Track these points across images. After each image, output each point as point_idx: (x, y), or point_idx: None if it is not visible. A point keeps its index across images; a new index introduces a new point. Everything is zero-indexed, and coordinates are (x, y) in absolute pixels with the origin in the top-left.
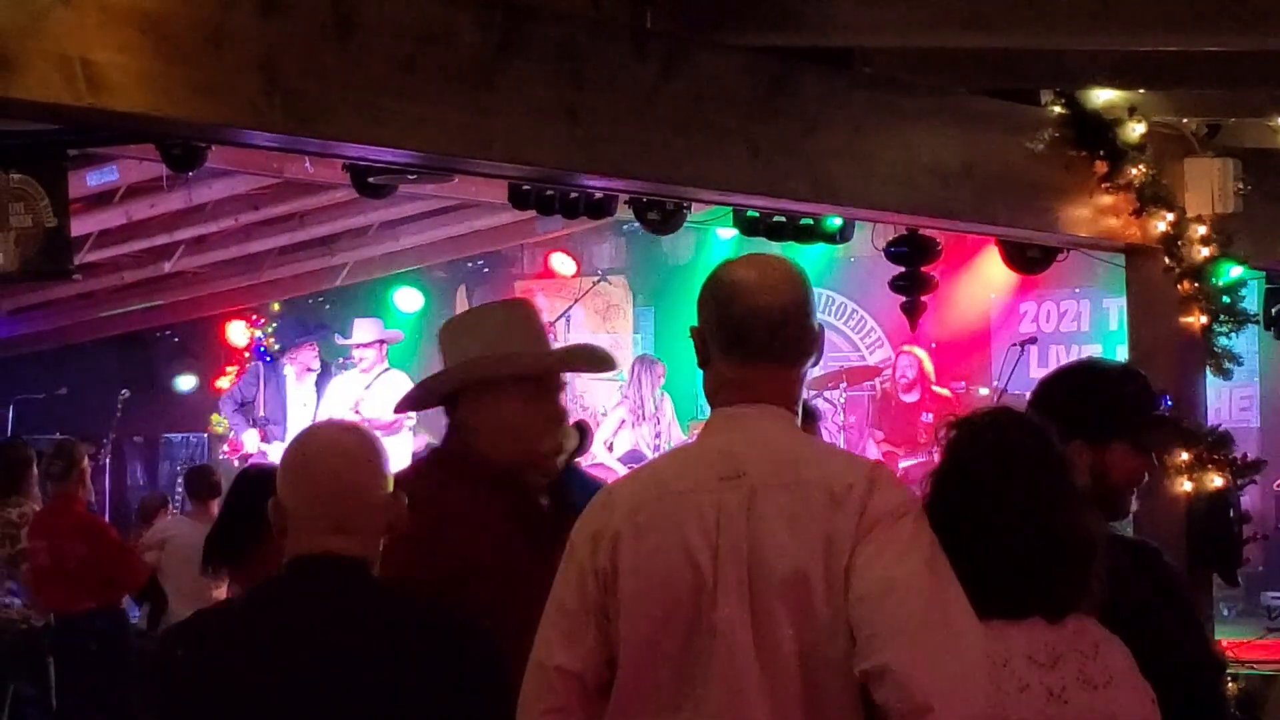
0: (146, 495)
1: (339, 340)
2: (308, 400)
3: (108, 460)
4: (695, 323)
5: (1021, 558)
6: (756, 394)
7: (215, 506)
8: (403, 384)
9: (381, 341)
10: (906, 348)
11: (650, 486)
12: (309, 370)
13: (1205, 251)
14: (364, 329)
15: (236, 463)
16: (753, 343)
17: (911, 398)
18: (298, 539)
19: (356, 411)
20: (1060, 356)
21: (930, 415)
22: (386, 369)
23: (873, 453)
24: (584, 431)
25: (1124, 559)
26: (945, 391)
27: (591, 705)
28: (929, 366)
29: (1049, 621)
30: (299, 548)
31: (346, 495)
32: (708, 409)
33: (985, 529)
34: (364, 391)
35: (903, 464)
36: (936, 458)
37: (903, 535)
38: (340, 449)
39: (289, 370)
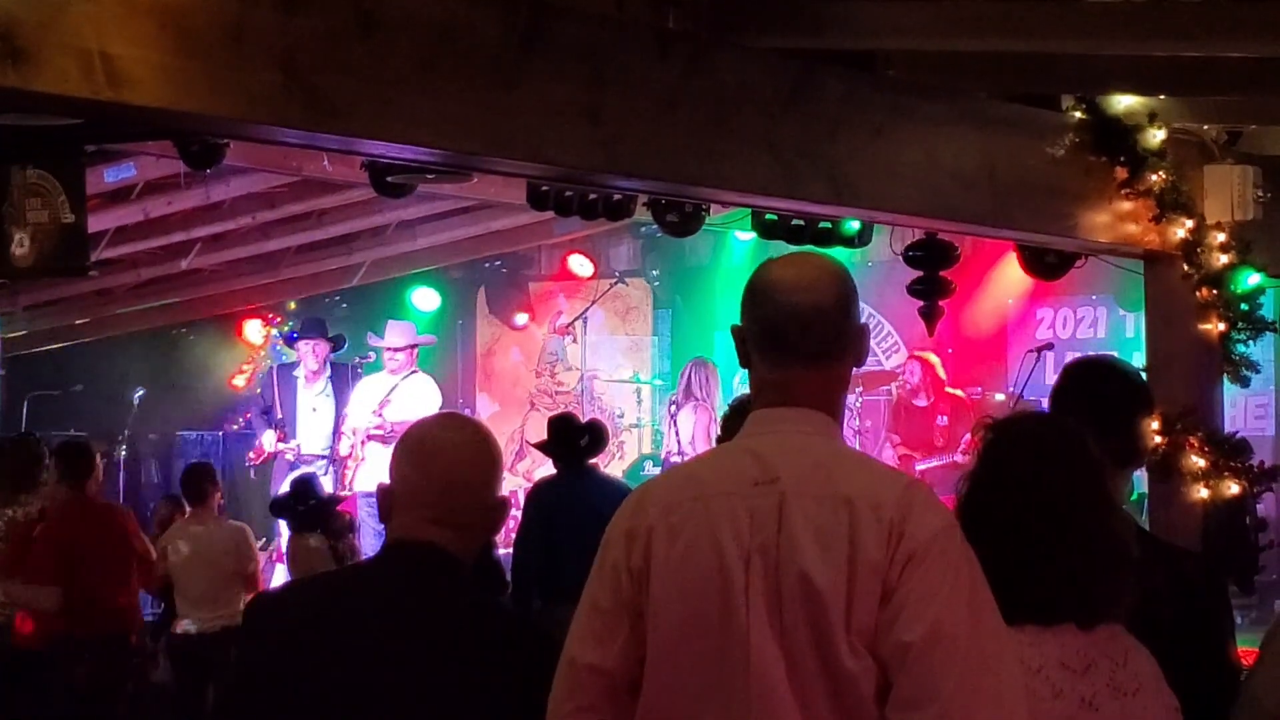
0: (160, 503)
1: (372, 341)
2: (318, 405)
3: (122, 457)
4: (734, 324)
5: (1057, 564)
6: (794, 396)
7: (215, 507)
8: (428, 388)
9: (413, 346)
10: (917, 353)
11: (685, 487)
12: (318, 374)
13: (1224, 259)
14: (397, 332)
15: (252, 468)
16: (786, 342)
17: (920, 402)
18: (401, 524)
19: (380, 414)
20: None
21: (945, 418)
22: (414, 371)
23: (889, 456)
24: (598, 432)
25: (1189, 565)
26: (959, 393)
27: (622, 704)
28: (941, 371)
29: (1081, 628)
30: (400, 532)
31: (455, 490)
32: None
33: (1021, 534)
34: (390, 393)
35: (919, 466)
36: (971, 460)
37: (947, 571)
38: (459, 446)
39: (299, 373)
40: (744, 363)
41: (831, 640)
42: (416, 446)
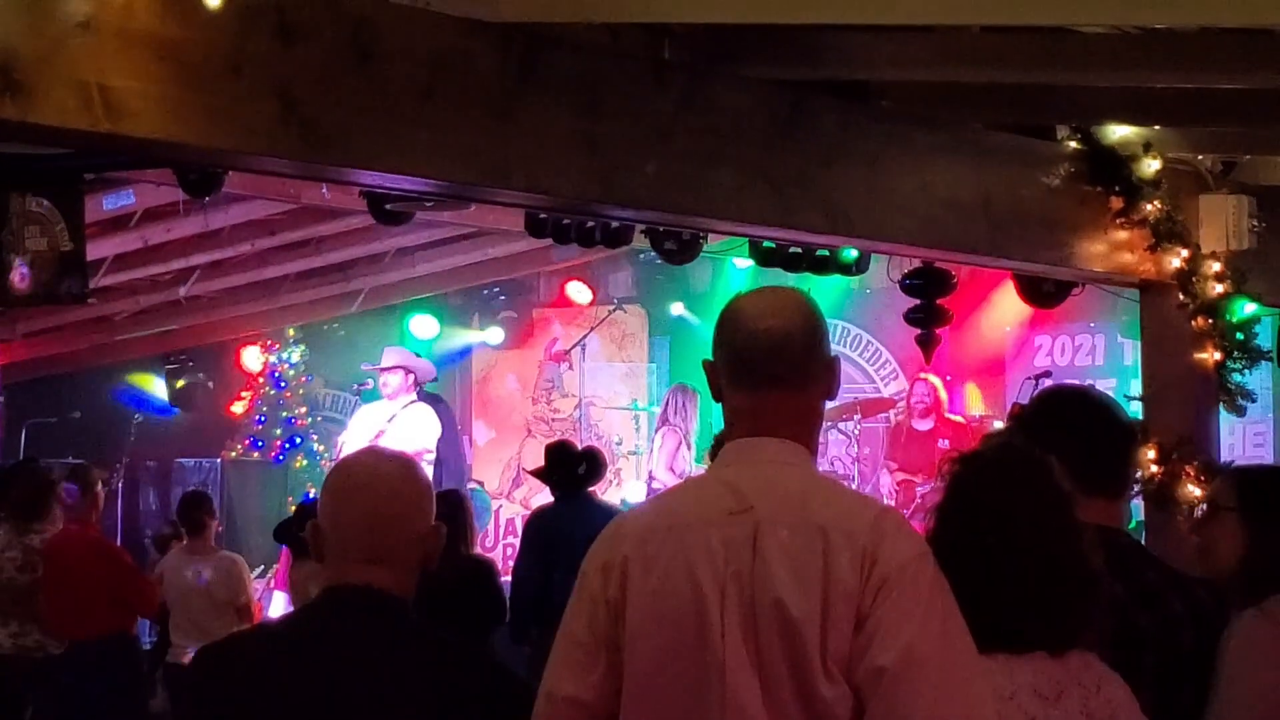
0: (159, 530)
1: (364, 367)
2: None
3: (120, 485)
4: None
5: (1026, 591)
6: (767, 425)
7: (211, 538)
8: (428, 417)
9: (406, 370)
10: (922, 375)
11: (660, 518)
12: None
13: (1219, 288)
14: (390, 358)
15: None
16: (756, 368)
17: (925, 425)
18: (334, 567)
19: (376, 444)
20: None
21: (946, 441)
22: (414, 400)
23: (886, 482)
24: (595, 460)
25: (1200, 593)
26: (959, 418)
27: None
28: (943, 394)
29: (1052, 655)
30: (334, 576)
31: (384, 526)
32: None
33: (990, 563)
34: (387, 422)
35: (920, 489)
36: (939, 492)
37: (920, 596)
38: (381, 478)
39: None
40: (716, 396)
41: (807, 667)
42: (340, 484)
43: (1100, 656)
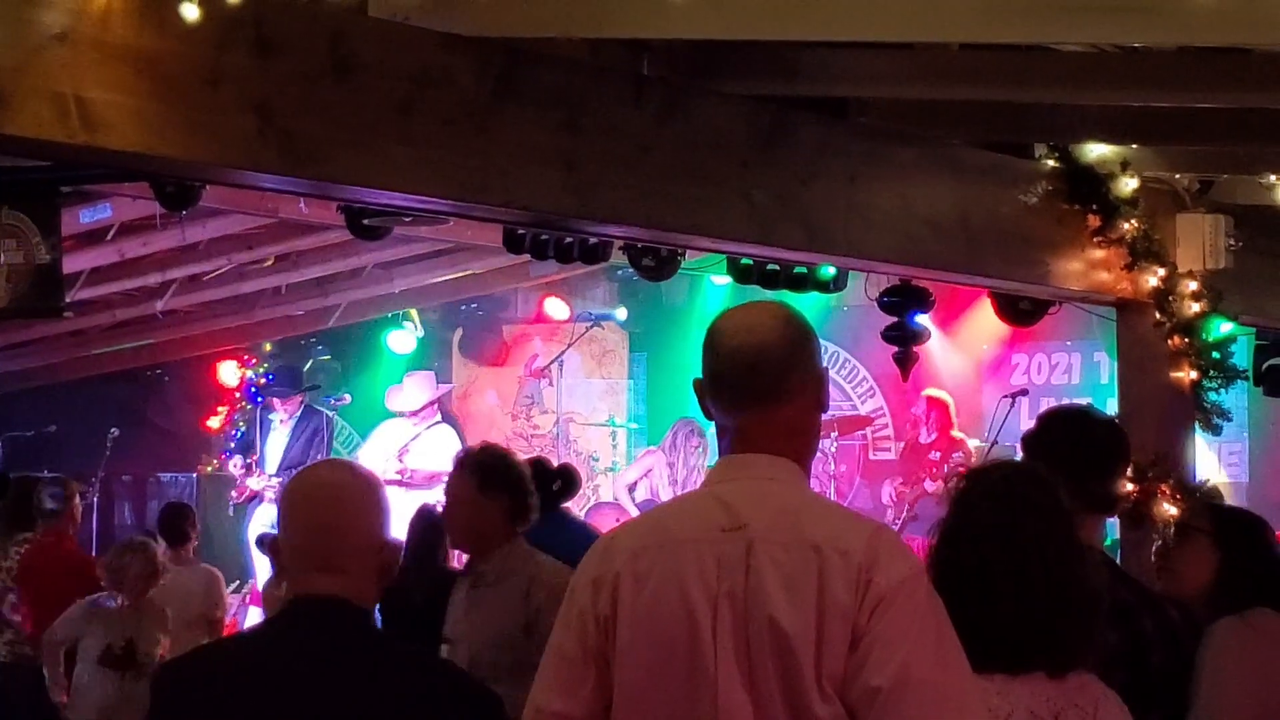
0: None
1: (392, 403)
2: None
3: (96, 499)
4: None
5: (1027, 611)
6: (754, 441)
7: (191, 550)
8: (450, 438)
9: (434, 402)
10: (929, 392)
11: (652, 534)
12: (291, 417)
13: (1196, 307)
14: (416, 387)
15: (233, 507)
16: (734, 384)
17: (930, 438)
18: (294, 578)
19: (400, 459)
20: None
21: (938, 454)
22: (438, 420)
23: (886, 490)
24: (570, 476)
25: (1172, 613)
26: (961, 435)
27: None
28: (953, 413)
29: (1051, 676)
30: (295, 588)
31: (332, 534)
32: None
33: (991, 582)
34: (412, 440)
35: (908, 498)
36: (944, 509)
37: (914, 616)
38: (331, 487)
39: (274, 416)
40: (707, 414)
41: (801, 686)
42: (293, 495)
43: None
